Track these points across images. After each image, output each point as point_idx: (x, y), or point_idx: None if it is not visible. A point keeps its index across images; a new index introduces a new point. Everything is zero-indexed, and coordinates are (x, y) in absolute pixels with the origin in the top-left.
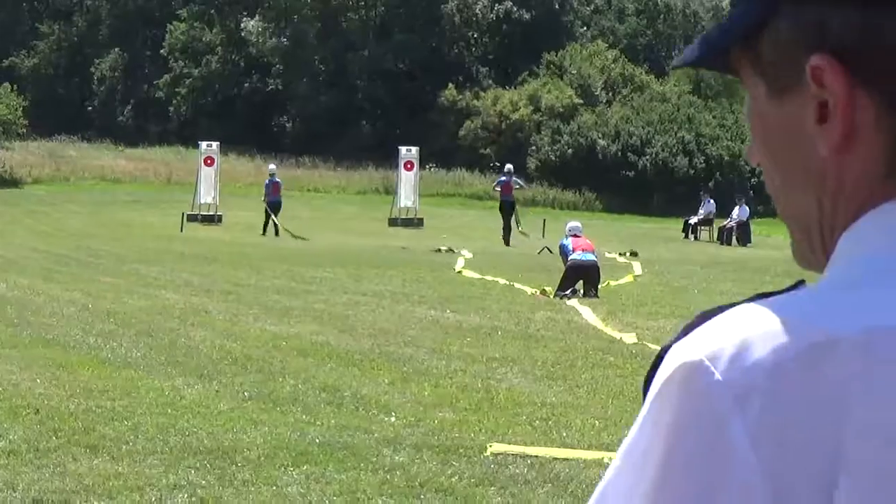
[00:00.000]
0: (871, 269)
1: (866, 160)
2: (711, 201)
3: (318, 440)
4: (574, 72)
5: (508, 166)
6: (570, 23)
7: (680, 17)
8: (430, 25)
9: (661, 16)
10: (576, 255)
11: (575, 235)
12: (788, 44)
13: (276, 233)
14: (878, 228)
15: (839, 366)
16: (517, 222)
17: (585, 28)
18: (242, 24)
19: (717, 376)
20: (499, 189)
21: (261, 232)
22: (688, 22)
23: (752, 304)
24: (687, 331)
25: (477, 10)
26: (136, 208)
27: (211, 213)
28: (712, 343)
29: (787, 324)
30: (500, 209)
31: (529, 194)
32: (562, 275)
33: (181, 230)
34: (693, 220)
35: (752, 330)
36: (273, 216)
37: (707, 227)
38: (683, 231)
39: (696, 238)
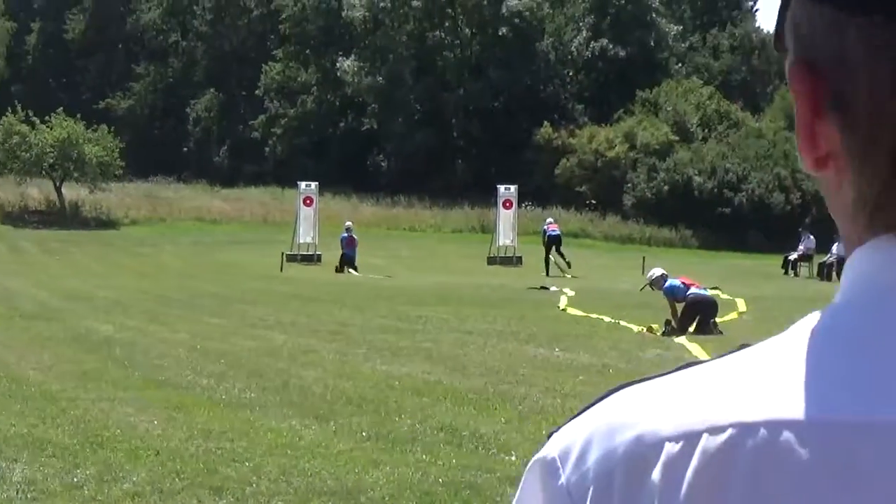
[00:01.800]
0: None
1: (844, 185)
2: (811, 237)
3: (441, 480)
4: (669, 109)
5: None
6: (665, 60)
7: (775, 53)
8: (525, 63)
9: (756, 51)
10: (695, 290)
11: (664, 277)
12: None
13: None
14: (847, 274)
15: (662, 470)
16: (562, 257)
17: (680, 65)
18: (338, 64)
19: (562, 479)
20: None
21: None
22: (783, 58)
23: (633, 388)
24: (577, 414)
25: (572, 48)
26: (234, 249)
27: (310, 252)
28: (570, 437)
29: (632, 419)
30: (544, 243)
31: (626, 231)
32: (675, 317)
33: (281, 270)
34: (793, 256)
35: (601, 425)
36: (348, 268)
37: (807, 263)
38: (783, 267)
39: (795, 274)
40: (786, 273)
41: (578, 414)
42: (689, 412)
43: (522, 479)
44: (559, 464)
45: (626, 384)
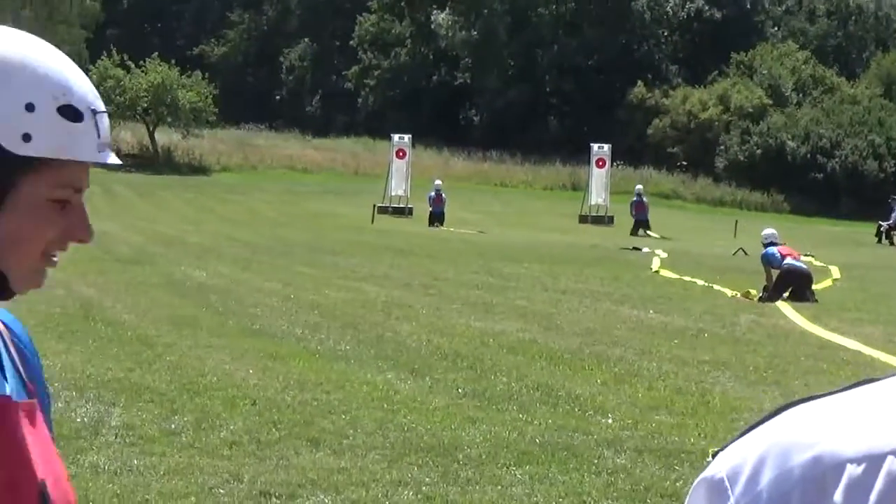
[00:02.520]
0: None
1: None
2: None
3: (537, 440)
4: (764, 72)
5: (639, 187)
6: (761, 23)
7: (872, 20)
8: (621, 22)
9: (853, 17)
10: (790, 261)
11: (773, 243)
12: None
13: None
14: None
15: (845, 493)
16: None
17: (776, 28)
18: (432, 17)
19: (731, 501)
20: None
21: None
22: (879, 24)
23: (806, 406)
24: (747, 430)
25: (668, 8)
26: (324, 199)
27: (402, 205)
28: (739, 457)
29: (809, 439)
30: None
31: (717, 194)
32: (773, 281)
33: (372, 222)
34: (884, 225)
35: (774, 445)
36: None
37: None
38: (876, 235)
39: (891, 243)
40: (879, 241)
41: (746, 431)
42: (870, 433)
43: (686, 499)
44: (727, 484)
45: (797, 401)
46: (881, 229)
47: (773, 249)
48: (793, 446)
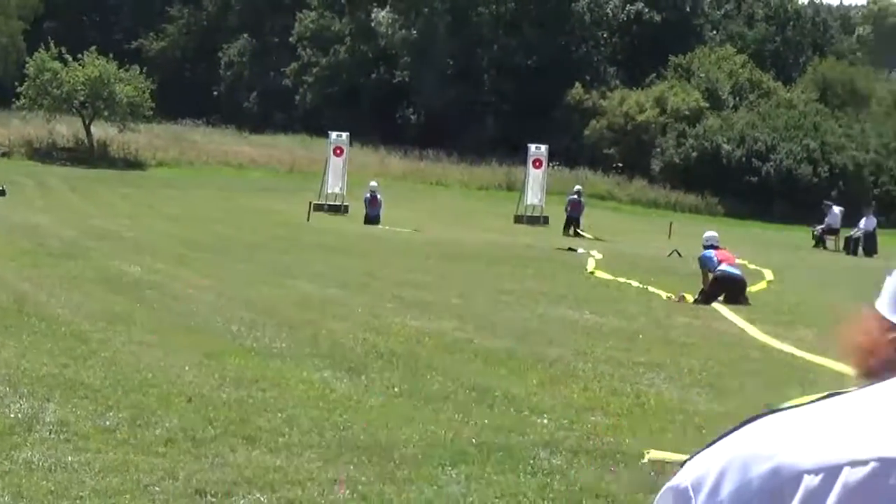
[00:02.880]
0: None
1: None
2: (836, 210)
3: (473, 440)
4: (702, 75)
5: (578, 187)
6: (700, 26)
7: (809, 25)
8: (560, 23)
9: (791, 22)
10: (724, 267)
11: (713, 246)
12: None
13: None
14: None
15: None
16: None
17: (715, 32)
18: (373, 15)
19: None
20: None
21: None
22: (816, 30)
23: (769, 419)
24: (713, 442)
25: (608, 10)
26: (261, 195)
27: (338, 203)
28: (704, 466)
29: (768, 451)
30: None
31: (652, 196)
32: (706, 286)
33: (308, 219)
34: (818, 229)
35: (736, 457)
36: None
37: (833, 237)
38: (813, 239)
39: (823, 247)
40: (815, 246)
41: (713, 443)
42: (828, 445)
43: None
44: (692, 493)
45: (761, 414)
46: (815, 234)
47: (710, 252)
48: (753, 458)
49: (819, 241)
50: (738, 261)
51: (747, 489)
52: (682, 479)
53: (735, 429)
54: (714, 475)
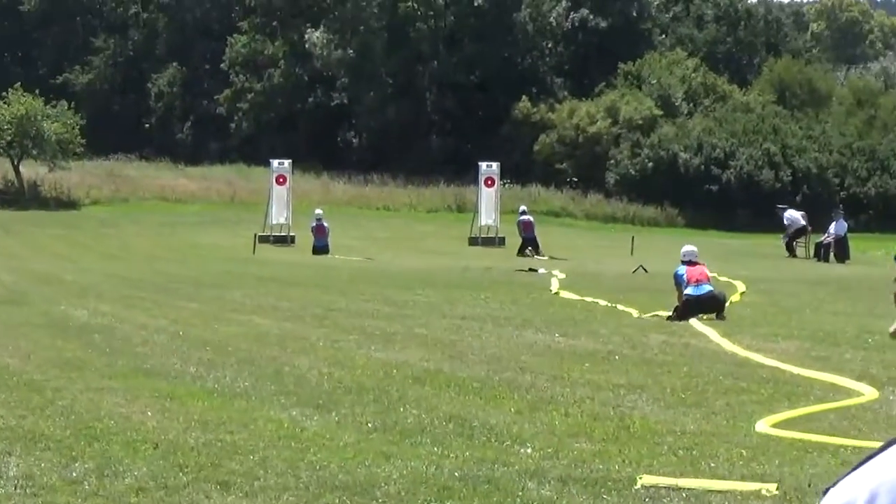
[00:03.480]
0: None
1: None
2: (790, 214)
3: (456, 474)
4: (653, 82)
5: (523, 207)
6: (648, 31)
7: (761, 24)
8: (502, 34)
9: (742, 22)
10: (690, 290)
11: (690, 262)
12: None
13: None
14: None
15: None
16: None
17: (664, 36)
18: (306, 36)
19: None
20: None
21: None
22: (770, 28)
23: None
24: (856, 466)
25: (551, 19)
26: (202, 229)
27: (284, 234)
28: (851, 493)
29: None
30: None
31: (609, 210)
32: (677, 306)
33: (254, 252)
34: (785, 237)
35: (886, 481)
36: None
37: (801, 240)
38: (787, 250)
39: (793, 255)
40: (791, 255)
41: (856, 467)
42: None
43: None
44: None
45: None
46: (821, 245)
47: (682, 270)
48: None
49: (788, 249)
50: (710, 275)
51: None
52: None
53: (878, 452)
54: (864, 500)
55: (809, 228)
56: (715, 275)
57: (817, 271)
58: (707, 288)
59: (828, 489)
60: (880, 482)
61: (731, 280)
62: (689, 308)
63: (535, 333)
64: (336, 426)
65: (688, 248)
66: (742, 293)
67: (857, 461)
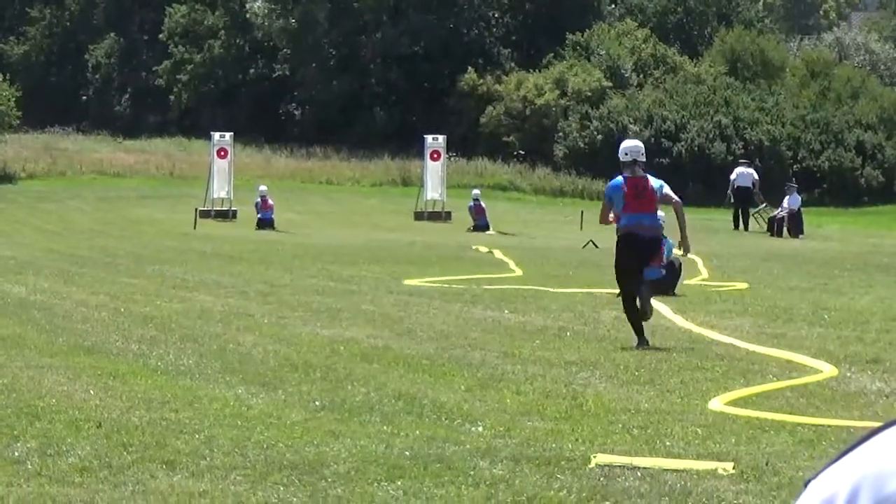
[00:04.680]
0: None
1: None
2: (735, 173)
3: (407, 452)
4: (602, 53)
5: (476, 192)
6: (597, 1)
7: None
8: (448, 5)
9: None
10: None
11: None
12: None
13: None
14: None
15: None
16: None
17: (613, 6)
18: (247, 6)
19: None
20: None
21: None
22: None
23: (893, 431)
24: (838, 456)
25: None
26: (141, 204)
27: (225, 208)
28: (833, 485)
29: None
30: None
31: (557, 184)
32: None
33: (195, 227)
34: (781, 213)
35: (868, 473)
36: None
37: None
38: (736, 221)
39: (746, 228)
40: (736, 228)
41: (836, 459)
42: None
43: None
44: None
45: (884, 426)
46: (774, 219)
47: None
48: (888, 474)
49: (739, 220)
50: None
51: (887, 500)
52: (810, 499)
53: (861, 442)
54: (846, 494)
55: (757, 193)
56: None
57: (771, 246)
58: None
59: (809, 481)
60: (863, 474)
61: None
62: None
63: (484, 310)
64: (283, 404)
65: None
66: (704, 279)
67: (814, 439)
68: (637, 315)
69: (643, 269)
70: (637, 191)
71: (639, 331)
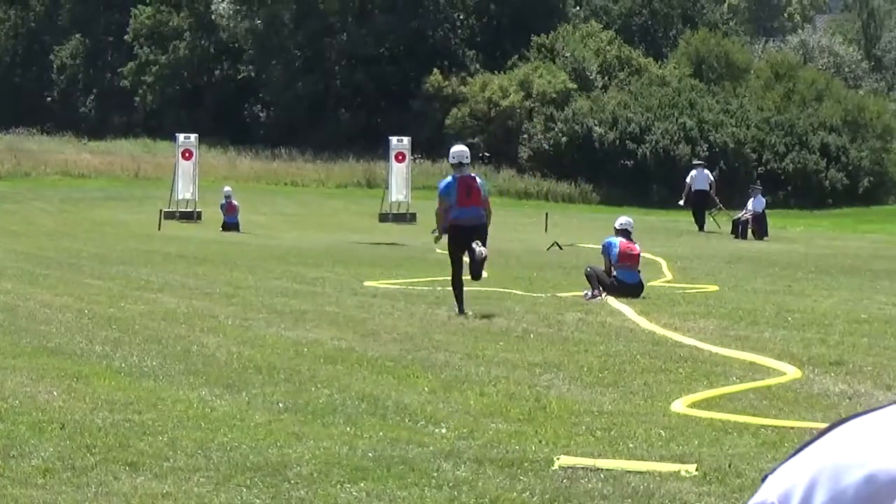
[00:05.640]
0: None
1: None
2: (690, 176)
3: (370, 454)
4: (567, 55)
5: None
6: (562, 2)
7: None
8: (413, 6)
9: None
10: (619, 273)
11: (626, 231)
12: None
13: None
14: None
15: None
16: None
17: (578, 8)
18: (212, 7)
19: None
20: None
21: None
22: (686, 0)
23: (850, 425)
24: (795, 452)
25: None
26: (106, 205)
27: (190, 209)
28: (790, 480)
29: (859, 458)
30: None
31: (522, 186)
32: (598, 278)
33: (159, 228)
34: (745, 215)
35: (824, 467)
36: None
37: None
38: (732, 232)
39: (740, 236)
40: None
41: (794, 454)
42: None
43: None
44: None
45: (839, 421)
46: (738, 222)
47: (614, 241)
48: (843, 467)
49: (698, 219)
50: (641, 254)
51: (842, 499)
52: (766, 495)
53: (816, 438)
54: (803, 488)
55: (713, 195)
56: (649, 255)
57: (735, 248)
58: (637, 278)
59: (766, 476)
60: (820, 468)
61: (655, 258)
62: (613, 289)
63: (448, 311)
64: (246, 406)
65: (624, 218)
66: (668, 281)
67: (777, 441)
68: (462, 289)
69: (472, 246)
70: (467, 188)
71: (460, 302)
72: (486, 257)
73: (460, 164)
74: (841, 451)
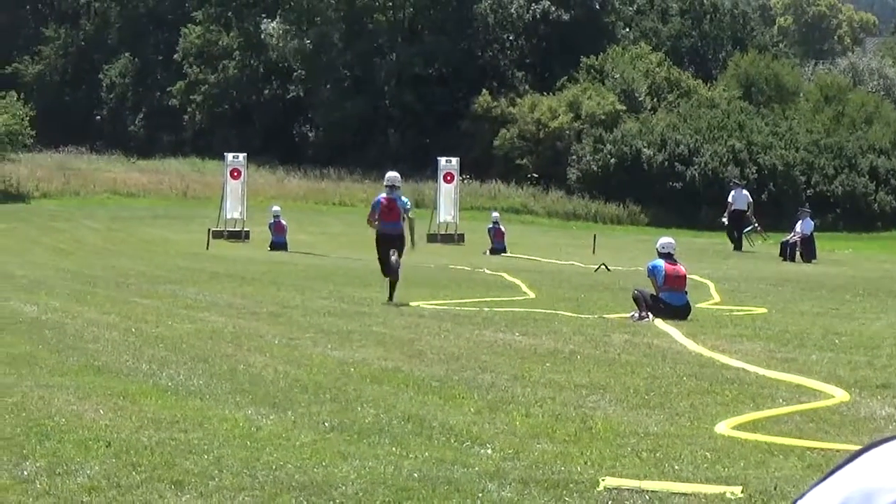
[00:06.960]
0: None
1: None
2: (731, 196)
3: (416, 475)
4: (616, 76)
5: (495, 214)
6: (612, 24)
7: (728, 18)
8: (463, 27)
9: (708, 16)
10: (665, 296)
11: (669, 254)
12: None
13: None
14: None
15: None
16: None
17: (627, 29)
18: (262, 27)
19: None
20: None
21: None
22: (736, 23)
23: (882, 449)
24: (827, 475)
25: (512, 10)
26: (154, 224)
27: (238, 229)
28: (823, 503)
29: (892, 482)
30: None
31: (570, 207)
32: (645, 301)
33: (207, 247)
34: (793, 238)
35: (857, 490)
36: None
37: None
38: (781, 254)
39: (737, 248)
40: (737, 249)
41: (825, 478)
42: None
43: None
44: None
45: (873, 444)
46: (786, 244)
47: (660, 264)
48: (876, 490)
49: (734, 241)
50: (688, 276)
51: None
52: None
53: (849, 460)
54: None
55: (750, 215)
56: (696, 277)
57: (783, 270)
58: (684, 299)
59: (796, 501)
60: (850, 493)
61: (703, 280)
62: (659, 311)
63: (495, 332)
64: (292, 425)
65: (665, 239)
66: (716, 303)
67: (823, 464)
68: (392, 282)
69: (395, 254)
70: (389, 208)
71: (392, 292)
72: (399, 265)
73: (392, 187)
74: (871, 475)
